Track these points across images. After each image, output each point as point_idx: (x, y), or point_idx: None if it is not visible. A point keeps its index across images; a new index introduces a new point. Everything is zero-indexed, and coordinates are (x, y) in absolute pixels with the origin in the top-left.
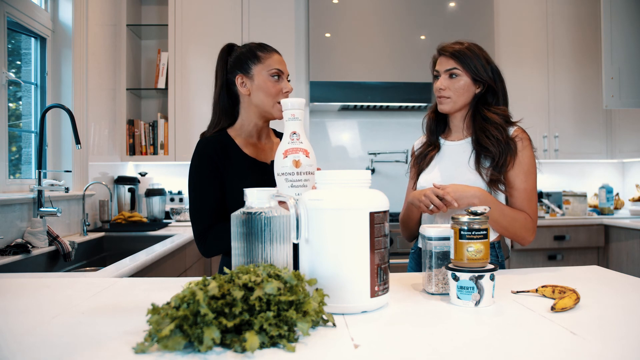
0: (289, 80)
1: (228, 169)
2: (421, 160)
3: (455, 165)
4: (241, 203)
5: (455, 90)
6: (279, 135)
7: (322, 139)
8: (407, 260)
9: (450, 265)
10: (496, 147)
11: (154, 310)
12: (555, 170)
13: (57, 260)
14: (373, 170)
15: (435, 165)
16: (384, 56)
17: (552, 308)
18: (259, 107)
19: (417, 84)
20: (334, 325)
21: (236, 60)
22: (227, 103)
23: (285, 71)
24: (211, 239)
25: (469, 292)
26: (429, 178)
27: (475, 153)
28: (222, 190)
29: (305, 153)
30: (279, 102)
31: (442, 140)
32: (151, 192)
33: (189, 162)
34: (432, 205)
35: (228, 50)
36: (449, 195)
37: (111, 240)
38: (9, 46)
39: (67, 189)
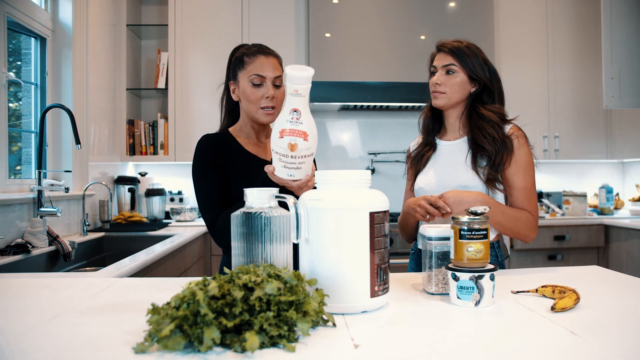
0: (277, 86)
1: (229, 163)
2: (418, 161)
3: (452, 165)
4: (242, 200)
5: (451, 87)
6: None
7: (322, 139)
8: (407, 261)
9: (450, 265)
10: (492, 146)
11: (154, 310)
12: (555, 170)
13: (57, 260)
14: (373, 170)
15: (432, 165)
16: (384, 56)
17: (552, 308)
18: (245, 113)
19: (417, 84)
20: (334, 325)
21: (230, 67)
22: (230, 105)
23: (269, 75)
24: (220, 227)
25: (469, 292)
26: (426, 179)
27: (471, 152)
28: (225, 180)
29: (304, 136)
30: (262, 107)
31: (437, 140)
32: (151, 192)
33: (189, 162)
34: (428, 215)
35: (232, 53)
36: (440, 201)
37: (111, 240)
38: (9, 46)
39: (67, 189)
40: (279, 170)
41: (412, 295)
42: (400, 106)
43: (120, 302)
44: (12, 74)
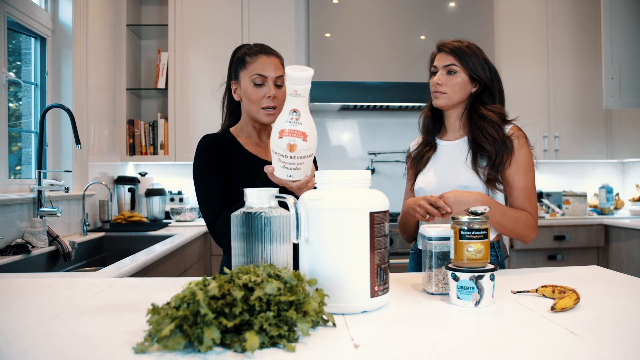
0: (279, 85)
1: (230, 163)
2: (418, 161)
3: (452, 165)
4: (243, 200)
5: (452, 87)
6: None
7: (322, 139)
8: (407, 261)
9: (450, 265)
10: (492, 146)
11: (154, 310)
12: (555, 170)
13: (57, 260)
14: (373, 170)
15: (432, 165)
16: (384, 56)
17: (552, 308)
18: (247, 113)
19: (417, 84)
20: (334, 325)
21: (232, 66)
22: (231, 105)
23: (271, 74)
24: (220, 227)
25: (469, 292)
26: (426, 179)
27: (471, 152)
28: (225, 180)
29: (303, 137)
30: (264, 107)
31: (437, 140)
32: (151, 192)
33: (189, 162)
34: (428, 215)
35: (234, 53)
36: (440, 201)
37: (111, 240)
38: (9, 46)
39: (67, 189)
40: (278, 170)
41: (412, 295)
42: (400, 106)
43: (120, 302)
44: (12, 74)
